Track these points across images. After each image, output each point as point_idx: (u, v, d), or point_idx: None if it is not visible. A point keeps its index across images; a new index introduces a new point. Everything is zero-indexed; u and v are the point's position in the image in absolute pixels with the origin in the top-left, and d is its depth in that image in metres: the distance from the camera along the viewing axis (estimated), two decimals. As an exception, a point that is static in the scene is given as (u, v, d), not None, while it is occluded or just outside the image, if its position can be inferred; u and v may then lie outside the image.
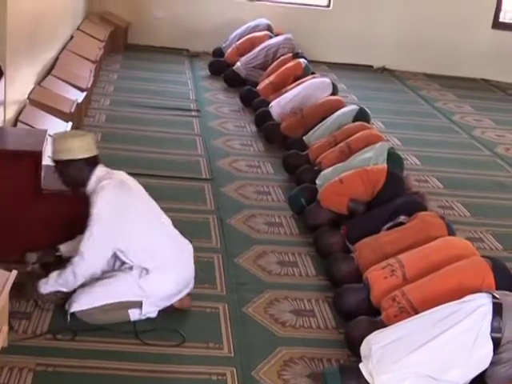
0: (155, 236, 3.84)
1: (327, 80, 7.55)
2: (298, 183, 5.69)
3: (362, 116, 6.34)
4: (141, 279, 3.75)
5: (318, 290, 4.38)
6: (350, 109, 6.48)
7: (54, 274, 3.73)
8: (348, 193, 4.97)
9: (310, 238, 4.96)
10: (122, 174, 3.90)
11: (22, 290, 3.78)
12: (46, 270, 3.90)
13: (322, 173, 5.39)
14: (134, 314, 3.77)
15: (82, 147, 3.74)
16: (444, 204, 5.96)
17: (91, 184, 3.75)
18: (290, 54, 8.60)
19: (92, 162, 3.79)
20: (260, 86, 8.15)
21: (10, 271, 3.43)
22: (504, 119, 9.03)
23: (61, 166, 3.76)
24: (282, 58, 8.58)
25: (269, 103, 7.40)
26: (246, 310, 4.06)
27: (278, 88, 7.81)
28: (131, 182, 3.90)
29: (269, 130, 6.98)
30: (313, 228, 5.03)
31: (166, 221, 3.98)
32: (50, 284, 3.73)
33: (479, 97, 10.19)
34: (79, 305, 3.71)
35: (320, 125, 6.42)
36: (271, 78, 8.13)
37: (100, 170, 3.80)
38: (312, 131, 6.42)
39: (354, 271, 4.29)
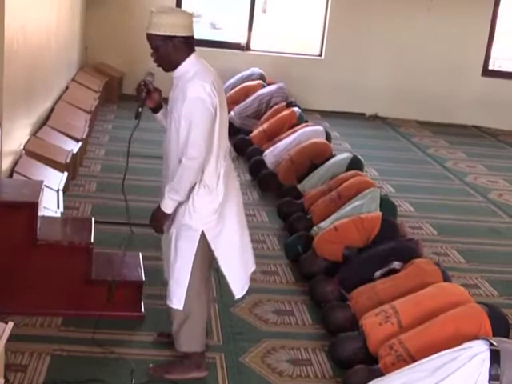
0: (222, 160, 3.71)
1: (320, 128, 7.63)
2: (291, 231, 5.71)
3: (355, 164, 6.38)
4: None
5: (314, 338, 4.37)
6: (344, 157, 6.53)
7: (166, 193, 3.63)
8: (343, 241, 4.98)
9: (305, 287, 4.96)
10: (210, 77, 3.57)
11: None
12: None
13: (317, 225, 5.41)
14: None
15: (184, 25, 3.51)
16: (438, 250, 5.97)
17: (181, 70, 3.57)
18: (284, 103, 8.69)
19: (189, 44, 3.56)
20: (253, 134, 8.21)
21: (6, 323, 3.42)
22: (496, 165, 9.11)
23: (158, 40, 3.51)
24: (275, 107, 8.67)
25: (262, 152, 7.45)
26: (243, 359, 4.04)
27: (272, 136, 7.88)
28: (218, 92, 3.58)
29: (264, 179, 7.01)
30: (308, 276, 5.03)
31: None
32: (167, 201, 3.62)
33: (471, 143, 10.30)
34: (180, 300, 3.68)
35: (314, 173, 6.47)
36: (265, 125, 8.20)
37: (194, 58, 3.58)
38: (306, 179, 6.47)
39: (351, 319, 4.29)
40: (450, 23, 11.01)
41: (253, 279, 5.04)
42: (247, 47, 10.99)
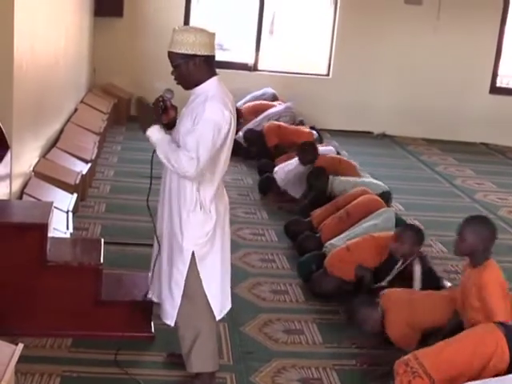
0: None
1: (331, 148, 7.66)
2: (300, 250, 5.69)
3: (385, 197, 6.36)
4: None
5: (325, 357, 4.34)
6: (379, 184, 6.59)
7: (167, 137, 3.58)
8: (355, 260, 4.97)
9: (316, 305, 4.96)
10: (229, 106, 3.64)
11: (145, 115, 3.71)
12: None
13: (329, 242, 5.40)
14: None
15: (205, 43, 3.52)
16: (450, 268, 5.94)
17: (202, 88, 3.60)
18: (308, 126, 8.84)
19: (210, 63, 3.60)
20: (266, 125, 8.54)
21: (16, 345, 3.41)
22: (505, 182, 9.08)
23: (179, 59, 3.53)
24: (300, 126, 8.78)
25: (274, 167, 7.45)
26: (254, 379, 4.02)
27: (283, 135, 8.23)
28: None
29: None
30: (319, 295, 5.02)
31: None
32: (157, 136, 3.57)
33: (479, 160, 10.29)
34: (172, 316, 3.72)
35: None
36: (283, 123, 8.50)
37: (215, 81, 3.64)
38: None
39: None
40: (457, 42, 11.04)
41: (262, 298, 5.06)
42: (255, 68, 11.03)
